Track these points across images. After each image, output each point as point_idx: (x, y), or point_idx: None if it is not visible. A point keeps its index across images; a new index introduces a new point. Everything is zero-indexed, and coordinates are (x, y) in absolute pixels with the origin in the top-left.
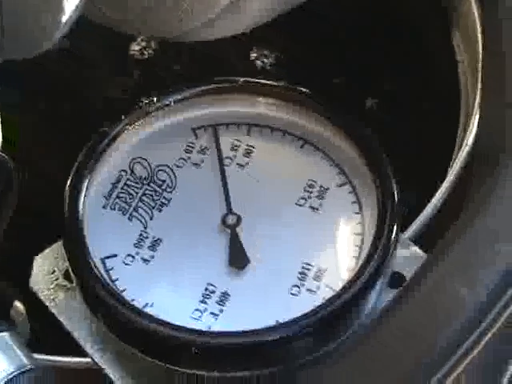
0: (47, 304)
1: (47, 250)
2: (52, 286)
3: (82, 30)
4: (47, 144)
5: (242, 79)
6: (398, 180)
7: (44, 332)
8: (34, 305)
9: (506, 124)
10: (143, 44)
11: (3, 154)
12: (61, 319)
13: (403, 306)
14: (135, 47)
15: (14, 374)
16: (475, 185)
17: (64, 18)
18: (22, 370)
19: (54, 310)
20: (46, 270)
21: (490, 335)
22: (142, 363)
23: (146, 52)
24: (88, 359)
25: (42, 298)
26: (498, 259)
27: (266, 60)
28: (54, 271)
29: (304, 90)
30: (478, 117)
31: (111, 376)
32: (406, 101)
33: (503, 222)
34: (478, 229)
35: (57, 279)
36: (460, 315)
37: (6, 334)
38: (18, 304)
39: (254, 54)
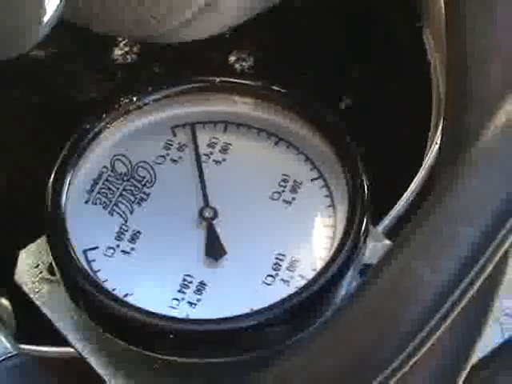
0: (31, 296)
1: (32, 245)
2: (36, 280)
3: (65, 35)
4: (26, 140)
5: (218, 79)
6: (370, 176)
7: (28, 324)
8: (19, 299)
9: (470, 120)
10: (126, 48)
11: None
12: (45, 311)
13: (367, 290)
14: (118, 52)
15: None
16: (439, 174)
17: (45, 18)
18: (7, 355)
19: (38, 302)
20: (30, 264)
21: (451, 318)
22: (124, 352)
23: (128, 56)
24: (71, 349)
25: (26, 290)
26: (459, 243)
27: (244, 63)
28: (38, 265)
29: (278, 88)
30: None
31: (94, 365)
32: (379, 100)
33: (465, 206)
34: (440, 213)
35: (41, 273)
36: (423, 297)
37: None
38: (3, 300)
39: (233, 58)
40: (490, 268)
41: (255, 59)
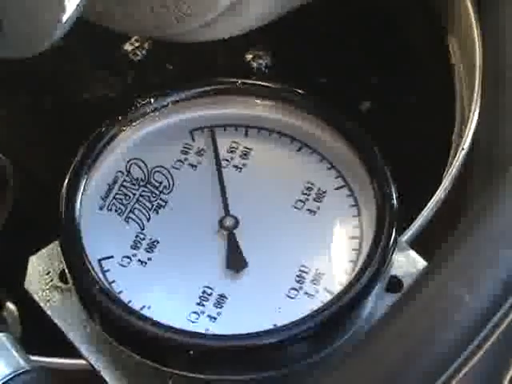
0: (42, 305)
1: (43, 251)
2: (47, 287)
3: (75, 29)
4: (36, 143)
5: (239, 81)
6: (396, 184)
7: (39, 333)
8: (28, 306)
9: (505, 130)
10: (136, 44)
11: None
12: (56, 321)
13: (404, 312)
14: (128, 47)
15: (10, 376)
16: (475, 190)
17: (64, 17)
18: (19, 371)
19: (48, 312)
20: (41, 271)
21: (490, 342)
22: (138, 366)
23: (138, 52)
24: (84, 361)
25: (36, 299)
26: (499, 265)
27: (261, 61)
28: (49, 272)
29: (301, 91)
30: (474, 122)
31: (107, 378)
32: (402, 104)
33: (505, 228)
34: (480, 234)
35: (52, 280)
36: (461, 320)
37: (1, 335)
38: (10, 305)
39: (250, 56)
40: None
41: (272, 57)
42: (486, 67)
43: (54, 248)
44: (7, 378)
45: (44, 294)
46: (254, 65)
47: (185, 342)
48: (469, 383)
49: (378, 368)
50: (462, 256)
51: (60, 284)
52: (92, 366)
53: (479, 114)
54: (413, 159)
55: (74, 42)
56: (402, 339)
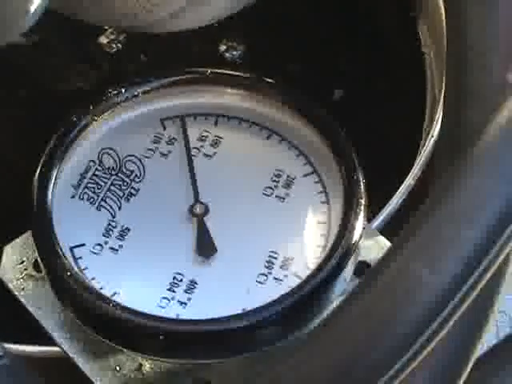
0: (16, 293)
1: (16, 240)
2: (21, 276)
3: (49, 22)
4: (10, 134)
5: (209, 70)
6: (364, 170)
7: (13, 321)
8: (2, 294)
9: (467, 111)
10: (112, 37)
11: None
12: (30, 309)
13: (365, 291)
14: (104, 40)
15: None
16: (438, 172)
17: (32, 8)
18: None
19: (23, 300)
20: (15, 260)
21: (452, 321)
22: (111, 352)
23: (114, 45)
24: (57, 348)
25: (11, 287)
26: (460, 244)
27: (234, 52)
28: (24, 261)
29: (270, 80)
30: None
31: (79, 365)
32: (373, 92)
33: (465, 208)
34: (440, 214)
35: (26, 269)
36: (421, 299)
37: None
38: None
39: (224, 47)
40: (492, 270)
41: (245, 48)
42: (449, 50)
43: (28, 237)
44: None
45: (18, 282)
46: (227, 55)
47: (155, 327)
48: (431, 364)
49: (340, 349)
50: (422, 236)
51: (34, 273)
52: (65, 353)
53: (445, 96)
54: (384, 147)
55: (48, 35)
56: (363, 319)
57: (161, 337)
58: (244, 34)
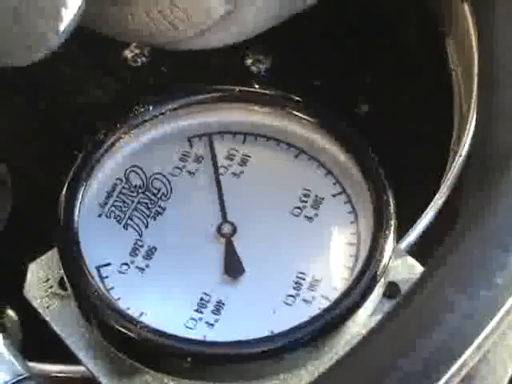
0: (41, 312)
1: (42, 258)
2: (46, 294)
3: (75, 36)
4: (33, 147)
5: (237, 88)
6: (393, 189)
7: (38, 340)
8: (27, 312)
9: (499, 131)
10: (136, 51)
11: None
12: (54, 328)
13: (397, 316)
14: (128, 54)
15: (9, 383)
16: (470, 192)
17: (62, 27)
18: (18, 378)
19: (47, 319)
20: (40, 278)
21: (486, 347)
22: (136, 373)
23: (139, 59)
24: (82, 367)
25: (35, 305)
26: (490, 267)
27: (260, 66)
28: (49, 279)
29: (298, 98)
30: (472, 127)
31: (102, 381)
32: (399, 109)
33: (496, 232)
34: (471, 238)
35: (51, 287)
36: (451, 320)
37: (0, 342)
38: (10, 311)
39: (250, 60)
40: None
41: (271, 62)
42: (480, 69)
43: (53, 255)
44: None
45: (43, 300)
46: (254, 69)
47: (182, 349)
48: None
49: (366, 370)
50: (453, 261)
51: (59, 291)
52: (90, 373)
53: (477, 115)
54: (411, 164)
55: (73, 47)
56: (390, 342)
57: (188, 358)
58: (270, 47)
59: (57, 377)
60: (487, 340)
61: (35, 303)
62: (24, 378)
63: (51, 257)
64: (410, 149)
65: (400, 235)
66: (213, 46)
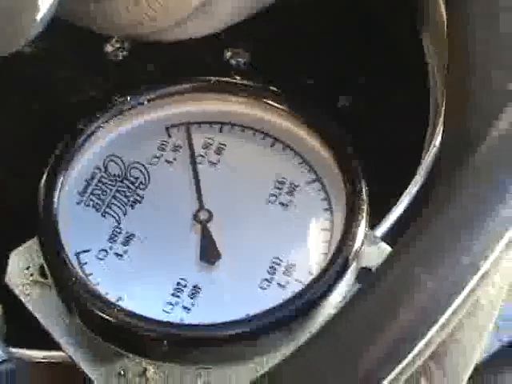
0: (22, 299)
1: (22, 247)
2: (27, 282)
3: (56, 31)
4: (18, 143)
5: (214, 78)
6: (368, 178)
7: (18, 326)
8: (9, 300)
9: (466, 121)
10: (117, 45)
11: None
12: (36, 314)
13: (368, 292)
14: (109, 48)
15: None
16: (439, 181)
17: (39, 16)
18: None
19: (29, 306)
20: (21, 266)
21: (451, 326)
22: (116, 357)
23: (120, 53)
24: (62, 353)
25: (17, 293)
26: (459, 251)
27: (240, 59)
28: (29, 267)
29: (275, 89)
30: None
31: (85, 370)
32: (377, 100)
33: (465, 214)
34: (440, 221)
35: (32, 275)
36: (422, 303)
37: None
38: None
39: (229, 53)
40: (494, 275)
41: (251, 55)
42: (451, 61)
43: (33, 243)
44: None
45: (24, 288)
46: (232, 62)
47: (159, 331)
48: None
49: (340, 348)
50: (422, 243)
51: (40, 279)
52: (71, 358)
53: (447, 107)
54: (387, 155)
55: (53, 44)
56: (363, 320)
57: (164, 341)
58: (249, 41)
59: (38, 362)
60: (453, 318)
61: (17, 290)
62: (4, 361)
63: (32, 245)
64: (387, 140)
65: (376, 223)
66: (192, 37)
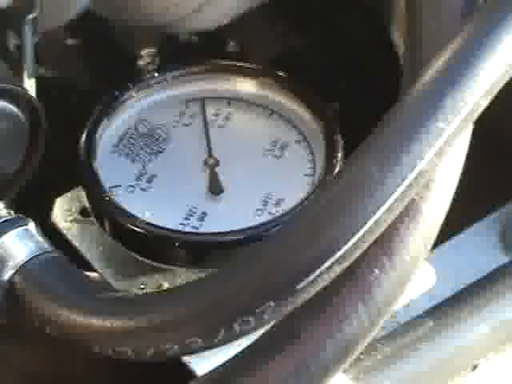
0: (64, 232)
1: (66, 194)
2: (69, 219)
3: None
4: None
5: (223, 62)
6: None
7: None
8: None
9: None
10: (148, 60)
11: (30, 94)
12: (75, 244)
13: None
14: (140, 62)
15: (38, 253)
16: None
17: None
18: (46, 250)
19: (69, 237)
20: (64, 208)
21: (397, 211)
22: (137, 274)
23: (150, 67)
24: (96, 274)
25: (60, 227)
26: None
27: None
28: (71, 209)
29: (274, 70)
30: None
31: (113, 284)
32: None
33: (404, 126)
34: (386, 130)
35: (72, 215)
36: (370, 193)
37: (30, 225)
38: None
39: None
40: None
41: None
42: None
43: (74, 193)
44: (36, 253)
45: (66, 224)
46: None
47: (176, 237)
48: None
49: (289, 240)
50: (377, 142)
51: (79, 217)
52: (101, 276)
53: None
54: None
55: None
56: (318, 213)
57: (177, 244)
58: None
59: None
60: (398, 203)
61: (60, 226)
62: (50, 251)
63: (73, 194)
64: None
65: None
66: (209, 25)
